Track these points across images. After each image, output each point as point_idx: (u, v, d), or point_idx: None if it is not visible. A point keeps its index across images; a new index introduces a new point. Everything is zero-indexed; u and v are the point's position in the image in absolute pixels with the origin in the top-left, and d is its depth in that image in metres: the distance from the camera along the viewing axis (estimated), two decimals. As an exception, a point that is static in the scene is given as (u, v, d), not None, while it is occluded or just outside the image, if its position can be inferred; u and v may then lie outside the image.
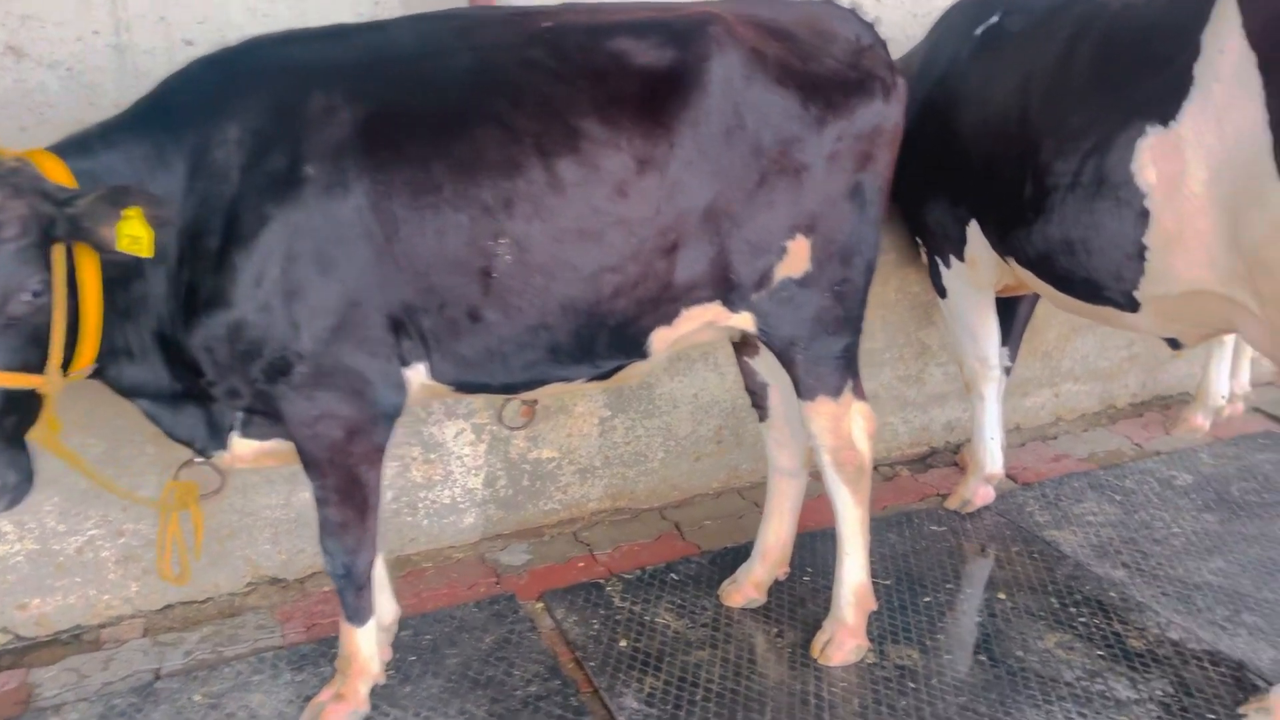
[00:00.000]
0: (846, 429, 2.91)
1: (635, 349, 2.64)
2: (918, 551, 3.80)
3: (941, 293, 3.89)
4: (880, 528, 3.96)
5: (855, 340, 2.87)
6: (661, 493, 4.20)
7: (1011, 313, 4.06)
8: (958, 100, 3.50)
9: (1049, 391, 4.90)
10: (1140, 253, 2.82)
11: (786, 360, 2.82)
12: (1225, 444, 4.63)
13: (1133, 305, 2.98)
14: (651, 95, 2.43)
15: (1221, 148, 2.54)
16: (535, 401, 3.79)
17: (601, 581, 3.62)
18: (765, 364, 3.17)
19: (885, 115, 2.64)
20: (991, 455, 4.02)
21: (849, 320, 2.80)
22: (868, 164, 2.64)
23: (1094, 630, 3.29)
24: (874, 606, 3.17)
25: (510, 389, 2.64)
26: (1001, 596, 3.51)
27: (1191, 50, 2.61)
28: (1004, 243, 3.34)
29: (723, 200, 2.53)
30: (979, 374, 3.93)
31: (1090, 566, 3.67)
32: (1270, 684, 2.94)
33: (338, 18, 2.84)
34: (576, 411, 3.95)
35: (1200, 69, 2.58)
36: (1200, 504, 4.11)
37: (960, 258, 3.68)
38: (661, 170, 2.44)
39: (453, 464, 3.80)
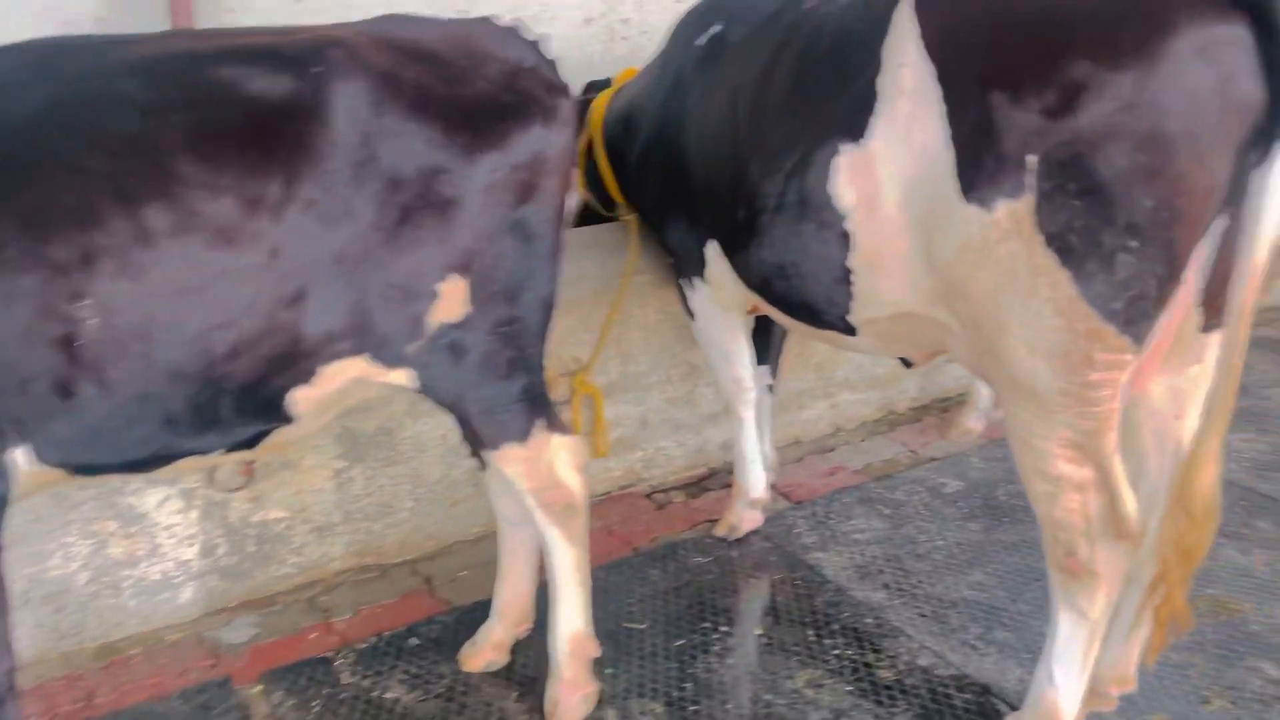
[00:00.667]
0: (546, 468, 2.67)
1: (273, 413, 2.33)
2: (679, 588, 3.61)
3: (691, 314, 3.73)
4: (644, 563, 3.78)
5: (536, 378, 2.63)
6: (414, 544, 3.90)
7: (767, 331, 3.94)
8: (683, 115, 3.33)
9: (825, 403, 4.83)
10: (846, 276, 2.68)
11: (460, 415, 2.56)
12: (997, 445, 4.64)
13: (849, 329, 2.85)
14: (260, 129, 2.12)
15: (912, 165, 2.41)
16: (252, 460, 3.44)
17: (330, 655, 3.29)
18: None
19: (548, 141, 2.41)
20: (755, 479, 3.88)
21: (524, 360, 2.55)
22: (530, 194, 2.40)
23: (846, 663, 3.16)
24: (595, 654, 2.94)
25: (135, 467, 2.30)
26: (759, 632, 3.35)
27: (875, 63, 2.48)
28: (734, 265, 3.18)
29: (357, 242, 2.25)
30: (735, 396, 3.79)
31: (851, 591, 3.55)
32: (1014, 708, 2.87)
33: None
34: (305, 465, 3.61)
35: (883, 83, 2.45)
36: (966, 512, 4.08)
37: (704, 278, 3.51)
38: (275, 212, 2.13)
39: (160, 536, 3.39)
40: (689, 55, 3.37)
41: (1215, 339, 2.37)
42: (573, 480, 2.74)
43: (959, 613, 3.41)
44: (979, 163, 2.23)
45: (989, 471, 4.40)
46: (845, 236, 2.60)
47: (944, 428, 4.86)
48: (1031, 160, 2.12)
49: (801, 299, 2.86)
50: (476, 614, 3.43)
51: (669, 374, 4.34)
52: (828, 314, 2.83)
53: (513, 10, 4.75)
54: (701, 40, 3.33)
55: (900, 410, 5.08)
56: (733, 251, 3.11)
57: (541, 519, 2.75)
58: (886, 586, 3.58)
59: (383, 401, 3.68)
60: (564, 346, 4.01)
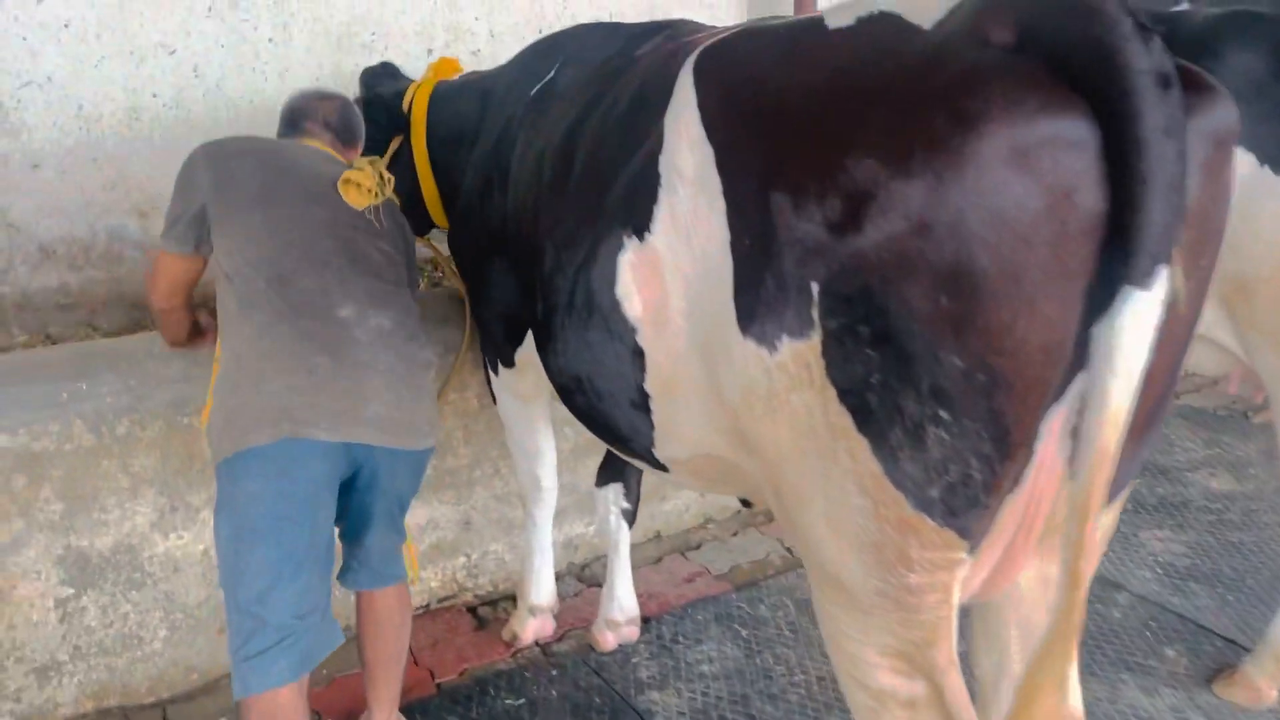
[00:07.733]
0: None
1: None
2: (475, 744, 2.99)
3: (494, 399, 3.18)
4: (442, 706, 3.14)
5: None
6: (171, 680, 3.22)
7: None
8: (505, 175, 2.73)
9: (692, 492, 4.23)
10: (645, 402, 2.09)
11: None
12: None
13: (660, 465, 2.27)
14: None
15: (694, 273, 1.83)
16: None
17: None
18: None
19: None
20: (539, 585, 3.46)
21: None
22: None
23: None
24: None
25: None
26: (557, 813, 2.74)
27: (657, 136, 1.91)
28: (542, 364, 2.58)
29: None
30: (530, 495, 3.35)
31: (681, 749, 2.96)
32: None
33: None
34: (17, 595, 2.93)
35: (665, 164, 1.87)
36: (835, 635, 3.49)
37: (509, 363, 2.93)
38: None
39: None
40: (520, 102, 2.80)
41: (1106, 511, 1.82)
42: None
43: (806, 781, 2.82)
44: (758, 283, 1.64)
45: (869, 579, 3.83)
46: (639, 353, 2.01)
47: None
48: (814, 288, 1.54)
49: (604, 422, 2.30)
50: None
51: (497, 467, 3.71)
52: (634, 444, 2.26)
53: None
54: (535, 90, 2.75)
55: (781, 495, 4.49)
56: (539, 348, 2.52)
57: None
58: (725, 742, 2.98)
59: (122, 515, 3.03)
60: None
